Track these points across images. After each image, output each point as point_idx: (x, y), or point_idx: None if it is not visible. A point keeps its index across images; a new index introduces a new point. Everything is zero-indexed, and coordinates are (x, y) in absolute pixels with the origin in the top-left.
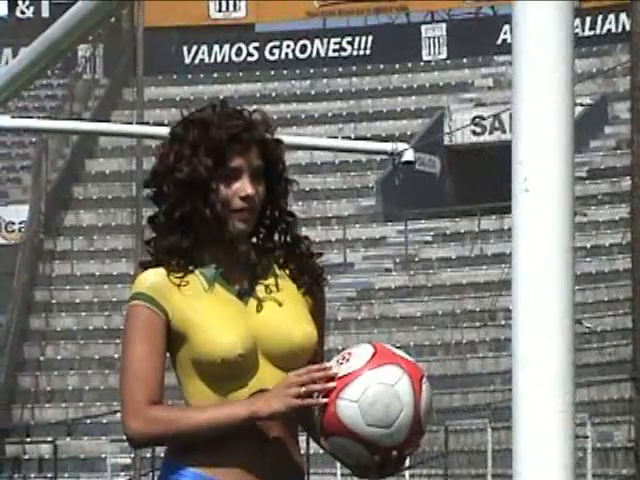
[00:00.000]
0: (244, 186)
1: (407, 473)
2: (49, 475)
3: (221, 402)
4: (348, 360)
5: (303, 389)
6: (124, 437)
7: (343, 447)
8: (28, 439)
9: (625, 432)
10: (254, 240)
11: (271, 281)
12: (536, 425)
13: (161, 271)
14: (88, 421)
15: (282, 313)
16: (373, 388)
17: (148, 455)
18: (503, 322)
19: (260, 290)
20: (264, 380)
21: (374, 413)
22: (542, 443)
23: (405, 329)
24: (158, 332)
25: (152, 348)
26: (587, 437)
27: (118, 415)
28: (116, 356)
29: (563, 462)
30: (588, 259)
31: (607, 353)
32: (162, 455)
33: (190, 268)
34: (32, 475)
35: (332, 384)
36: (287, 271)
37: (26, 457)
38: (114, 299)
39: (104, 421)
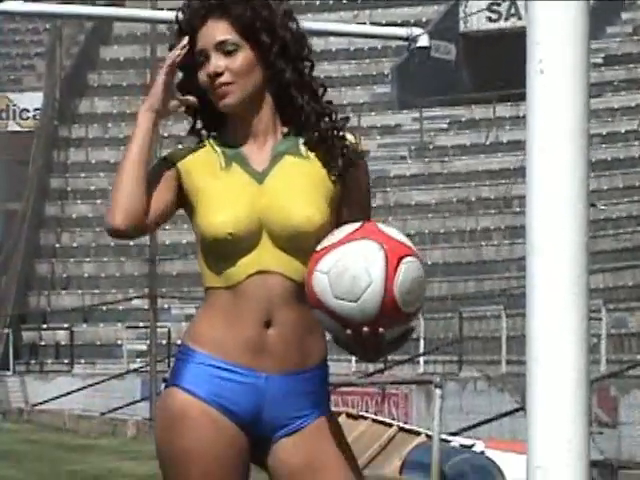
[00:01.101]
0: (208, 66)
1: (422, 359)
2: (65, 361)
3: (208, 261)
4: (333, 234)
5: (168, 63)
6: (140, 322)
7: (320, 320)
8: (44, 325)
9: (639, 318)
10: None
11: (291, 163)
12: (550, 309)
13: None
14: (104, 308)
15: (290, 195)
16: (343, 260)
17: (164, 342)
18: (518, 209)
19: (277, 171)
20: (265, 261)
21: (341, 285)
22: (557, 326)
23: (420, 217)
24: (167, 176)
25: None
26: (601, 321)
27: (134, 302)
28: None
29: (578, 344)
30: (603, 146)
31: (622, 239)
32: (178, 342)
33: (213, 147)
34: (49, 361)
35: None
36: (314, 152)
37: (42, 343)
38: None
39: (120, 308)
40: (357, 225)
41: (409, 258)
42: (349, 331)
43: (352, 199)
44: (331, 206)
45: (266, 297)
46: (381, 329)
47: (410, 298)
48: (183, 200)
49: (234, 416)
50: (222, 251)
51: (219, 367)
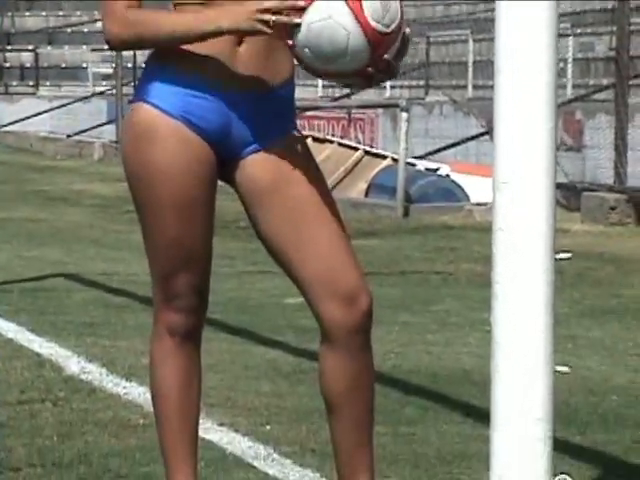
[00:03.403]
0: None
1: (388, 84)
2: (30, 83)
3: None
4: None
5: (273, 19)
6: (105, 45)
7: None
8: (9, 47)
9: (606, 42)
10: None
11: None
12: (519, 28)
13: None
14: (69, 30)
15: None
16: (311, 29)
17: (129, 65)
18: None
19: None
20: None
21: (325, 52)
22: (525, 44)
23: None
24: None
25: None
26: (568, 45)
27: (99, 24)
28: None
29: (546, 67)
30: None
31: None
32: (143, 65)
33: None
34: (14, 83)
35: (298, 20)
36: None
37: (7, 65)
38: None
39: (85, 30)
40: None
41: None
42: (357, 79)
43: None
44: None
45: None
46: (385, 56)
47: (388, 19)
48: None
49: (202, 132)
50: None
51: (188, 84)
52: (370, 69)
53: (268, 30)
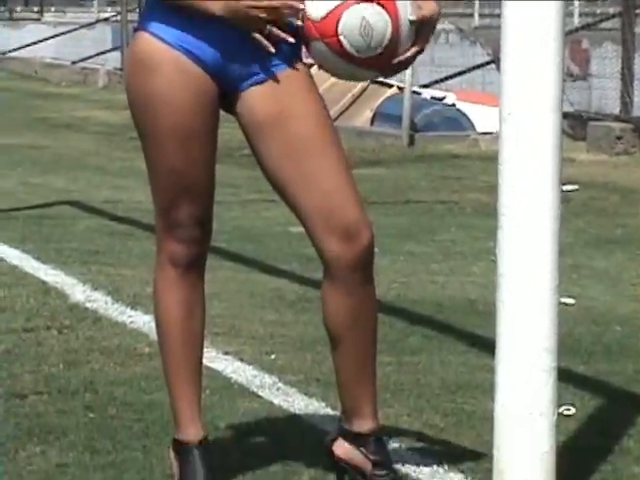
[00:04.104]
0: None
1: None
2: (35, 9)
3: None
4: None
5: (269, 29)
6: None
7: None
8: None
9: None
10: None
11: None
12: None
13: None
14: None
15: None
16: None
17: None
18: None
19: None
20: None
21: (339, 77)
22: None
23: None
24: None
25: None
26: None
27: None
28: None
29: None
30: None
31: None
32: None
33: None
34: (18, 9)
35: (292, 39)
36: None
37: None
38: None
39: None
40: None
41: (344, 15)
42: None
43: None
44: None
45: None
46: (394, 61)
47: (375, 42)
48: None
49: (201, 63)
50: None
51: (187, 14)
52: (388, 72)
53: (259, 29)
